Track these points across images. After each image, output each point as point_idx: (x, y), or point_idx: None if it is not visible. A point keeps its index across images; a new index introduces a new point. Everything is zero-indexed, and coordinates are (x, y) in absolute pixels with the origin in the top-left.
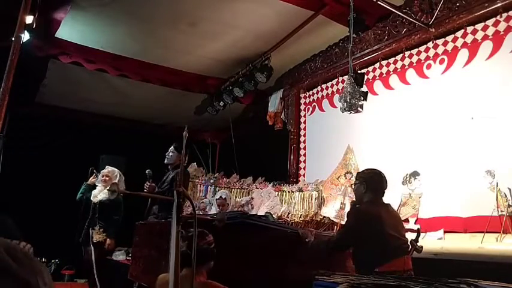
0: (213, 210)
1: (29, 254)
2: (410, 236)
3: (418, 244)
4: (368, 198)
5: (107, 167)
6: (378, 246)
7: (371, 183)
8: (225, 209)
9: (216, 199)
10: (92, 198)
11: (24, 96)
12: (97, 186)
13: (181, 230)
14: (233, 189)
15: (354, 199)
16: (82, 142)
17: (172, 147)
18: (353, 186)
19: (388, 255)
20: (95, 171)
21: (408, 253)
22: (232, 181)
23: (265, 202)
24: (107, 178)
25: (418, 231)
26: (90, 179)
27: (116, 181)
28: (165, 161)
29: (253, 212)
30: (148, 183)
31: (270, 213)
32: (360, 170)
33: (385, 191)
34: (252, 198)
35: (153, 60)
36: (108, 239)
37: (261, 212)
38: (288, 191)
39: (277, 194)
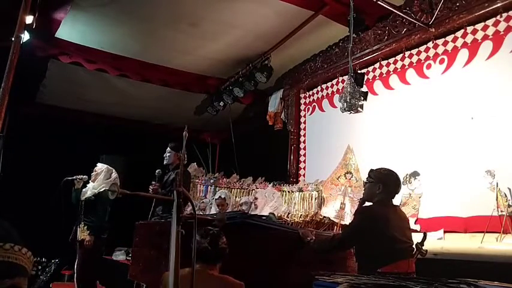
0: (213, 210)
1: None
2: (414, 237)
3: (423, 248)
4: (379, 198)
5: (98, 164)
6: (384, 247)
7: (386, 183)
8: (225, 209)
9: (216, 199)
10: (81, 197)
11: (24, 96)
12: (87, 185)
13: (205, 228)
14: (233, 189)
15: (363, 197)
16: (82, 142)
17: (168, 147)
18: (365, 184)
19: (393, 257)
20: (75, 177)
21: (413, 256)
22: (232, 181)
23: (268, 203)
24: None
25: (424, 235)
26: (76, 185)
27: (102, 177)
28: (164, 162)
29: (256, 212)
30: (154, 183)
31: (274, 214)
32: (375, 169)
33: (397, 194)
34: (256, 198)
35: (153, 60)
36: (88, 236)
37: (265, 213)
38: (288, 191)
39: None
